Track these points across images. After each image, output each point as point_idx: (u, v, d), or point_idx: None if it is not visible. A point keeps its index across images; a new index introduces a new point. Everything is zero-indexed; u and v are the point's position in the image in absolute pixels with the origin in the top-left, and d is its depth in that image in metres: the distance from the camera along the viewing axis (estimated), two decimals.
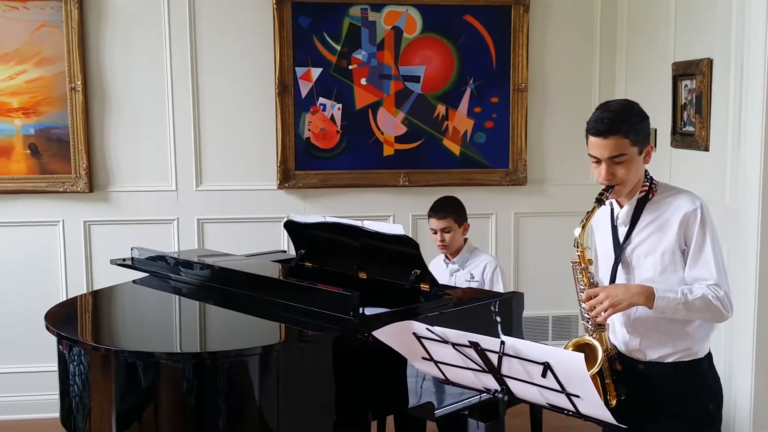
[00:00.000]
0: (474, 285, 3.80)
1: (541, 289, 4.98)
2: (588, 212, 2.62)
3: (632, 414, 2.61)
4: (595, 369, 2.54)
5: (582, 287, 2.63)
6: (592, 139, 2.58)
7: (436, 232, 3.83)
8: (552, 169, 5.07)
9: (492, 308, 3.20)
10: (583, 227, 2.61)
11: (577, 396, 2.12)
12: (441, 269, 3.92)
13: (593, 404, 2.11)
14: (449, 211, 3.83)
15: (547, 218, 5.08)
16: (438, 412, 2.97)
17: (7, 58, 4.59)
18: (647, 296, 2.51)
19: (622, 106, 2.61)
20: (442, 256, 3.95)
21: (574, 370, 2.06)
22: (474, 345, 2.22)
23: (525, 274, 5.13)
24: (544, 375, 2.13)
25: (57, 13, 4.57)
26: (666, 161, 4.39)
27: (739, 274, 3.62)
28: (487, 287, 3.77)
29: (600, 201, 2.60)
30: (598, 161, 2.58)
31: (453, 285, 3.79)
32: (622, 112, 2.56)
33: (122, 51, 4.69)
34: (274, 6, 4.68)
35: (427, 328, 2.30)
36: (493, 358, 2.23)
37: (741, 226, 3.64)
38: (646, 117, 2.64)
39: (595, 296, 2.54)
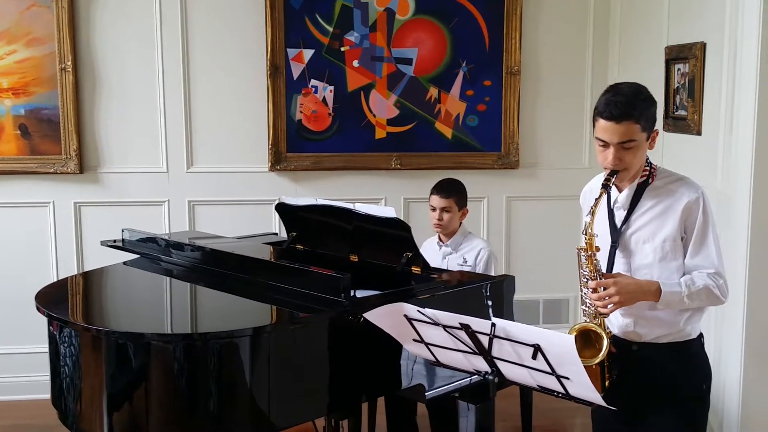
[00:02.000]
0: (466, 269, 3.80)
1: (532, 272, 4.98)
2: (596, 199, 2.59)
3: (626, 395, 2.63)
4: (601, 357, 2.54)
5: (586, 273, 2.61)
6: (602, 122, 2.53)
7: (435, 210, 3.83)
8: (544, 153, 5.07)
9: (483, 291, 3.20)
10: (593, 214, 2.58)
11: (567, 378, 2.13)
12: (434, 251, 3.92)
13: (582, 386, 2.12)
14: (453, 191, 3.83)
15: (538, 202, 5.09)
16: (429, 394, 2.97)
17: None
18: (654, 292, 2.53)
19: (634, 90, 2.56)
20: (436, 238, 3.94)
21: (565, 353, 2.06)
22: (465, 327, 2.22)
23: (516, 257, 5.13)
24: (534, 357, 2.13)
25: None
26: (658, 145, 4.35)
27: (730, 259, 3.61)
28: (479, 272, 3.77)
29: (606, 186, 2.57)
30: (606, 145, 2.54)
31: (445, 267, 3.80)
32: (634, 96, 2.52)
33: (113, 31, 4.66)
34: None
35: (418, 310, 2.30)
36: (484, 340, 2.23)
37: (732, 210, 3.65)
38: (655, 101, 2.61)
39: (605, 288, 2.52)
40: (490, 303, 3.22)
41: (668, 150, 4.32)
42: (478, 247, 3.86)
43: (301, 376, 2.72)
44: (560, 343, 2.07)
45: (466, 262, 3.84)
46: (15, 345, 4.77)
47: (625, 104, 2.48)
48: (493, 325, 2.15)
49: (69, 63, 4.58)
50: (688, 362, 2.67)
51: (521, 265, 5.07)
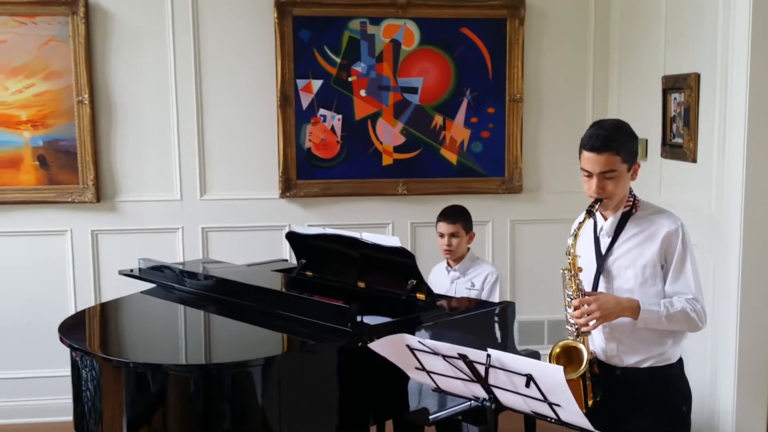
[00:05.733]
0: (474, 293, 3.90)
1: (536, 294, 5.12)
2: (579, 223, 2.79)
3: (609, 415, 2.80)
4: (581, 371, 2.72)
5: (570, 293, 2.79)
6: (585, 154, 2.75)
7: (443, 236, 3.94)
8: (546, 178, 5.20)
9: (485, 318, 3.32)
10: (575, 237, 2.78)
11: (558, 405, 2.26)
12: (443, 276, 4.04)
13: (572, 413, 2.25)
14: (459, 217, 3.95)
15: (542, 225, 5.21)
16: (432, 417, 3.10)
17: (16, 72, 4.73)
18: (633, 310, 2.71)
19: (615, 125, 2.78)
20: (444, 263, 4.06)
21: (554, 382, 2.20)
22: (462, 357, 2.35)
23: (521, 279, 5.25)
24: (527, 385, 2.26)
25: (64, 28, 4.71)
26: (656, 172, 4.51)
27: (722, 284, 3.75)
28: (485, 295, 3.89)
29: (590, 212, 2.78)
30: (590, 175, 2.75)
31: (453, 292, 3.92)
32: (615, 130, 2.74)
33: (128, 65, 4.83)
34: (276, 20, 4.82)
35: (418, 341, 2.43)
36: (481, 369, 2.36)
37: (724, 236, 3.76)
38: (636, 137, 2.83)
39: (587, 305, 2.70)
40: (491, 329, 3.33)
41: (665, 176, 4.45)
42: (486, 272, 3.96)
43: (312, 401, 2.85)
44: (550, 374, 2.20)
45: (474, 286, 3.95)
46: (34, 369, 4.90)
47: (605, 137, 2.70)
48: (489, 355, 2.28)
49: (86, 96, 4.75)
50: (668, 385, 2.82)
51: (526, 287, 5.20)
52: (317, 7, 4.86)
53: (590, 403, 2.79)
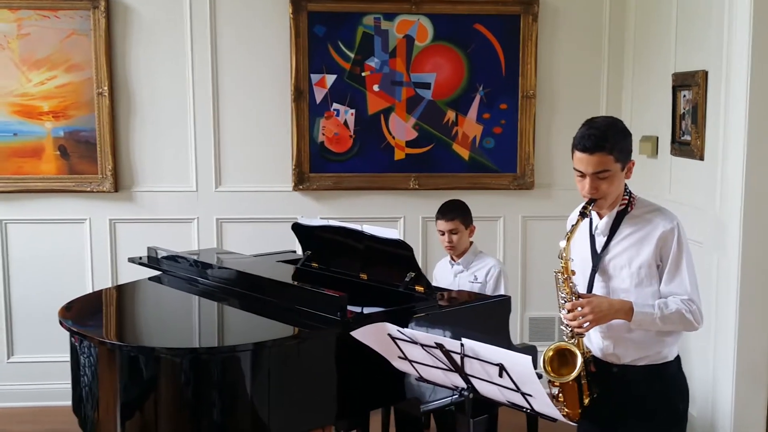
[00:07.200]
0: (477, 286, 3.94)
1: (548, 290, 5.06)
2: (572, 225, 2.77)
3: (606, 413, 2.78)
4: (575, 374, 2.69)
5: (563, 296, 2.77)
6: (578, 154, 2.73)
7: (443, 234, 3.99)
8: (558, 174, 5.20)
9: (479, 311, 3.36)
10: (568, 240, 2.76)
11: (530, 395, 2.29)
12: (446, 270, 4.09)
13: (543, 403, 2.28)
14: (457, 213, 3.99)
15: (553, 221, 5.17)
16: (424, 407, 3.14)
17: (39, 65, 4.87)
18: (626, 311, 2.67)
19: (607, 123, 2.73)
20: (448, 257, 4.10)
21: (524, 372, 2.23)
22: (439, 346, 2.40)
23: (532, 275, 5.26)
24: (500, 375, 2.30)
25: (86, 21, 4.84)
26: (666, 169, 4.50)
27: (723, 283, 3.74)
28: (489, 289, 3.92)
29: (583, 214, 2.75)
30: (583, 175, 2.72)
31: (456, 285, 3.96)
32: (607, 129, 2.69)
33: (147, 58, 4.94)
34: (291, 15, 4.89)
35: (398, 330, 2.48)
36: (457, 358, 2.40)
37: (725, 235, 3.75)
38: (629, 134, 2.78)
39: (580, 307, 2.68)
40: (485, 322, 3.36)
41: (675, 174, 4.43)
42: (489, 265, 4.00)
43: (304, 387, 2.91)
44: (520, 364, 2.23)
45: (476, 279, 3.99)
46: (57, 354, 5.01)
47: (597, 137, 2.66)
48: (462, 345, 2.32)
49: (105, 88, 4.87)
50: (665, 384, 2.79)
51: (536, 283, 5.22)
52: (332, 3, 4.93)
53: (586, 401, 2.77)
